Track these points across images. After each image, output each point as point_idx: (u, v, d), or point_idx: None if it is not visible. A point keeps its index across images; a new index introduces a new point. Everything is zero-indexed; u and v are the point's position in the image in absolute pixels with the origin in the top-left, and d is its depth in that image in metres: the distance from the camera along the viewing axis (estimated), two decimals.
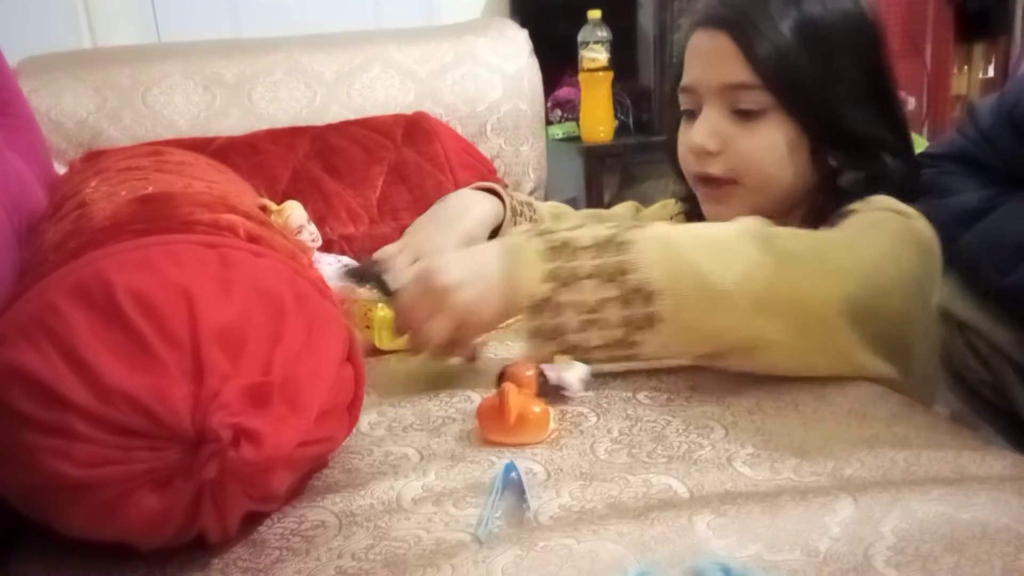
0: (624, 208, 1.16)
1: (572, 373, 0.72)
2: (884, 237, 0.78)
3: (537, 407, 0.68)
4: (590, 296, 0.71)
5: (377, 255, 0.91)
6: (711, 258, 0.71)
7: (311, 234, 0.90)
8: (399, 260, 0.92)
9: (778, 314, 0.70)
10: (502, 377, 0.71)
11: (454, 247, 0.91)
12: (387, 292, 0.84)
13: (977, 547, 0.49)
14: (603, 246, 0.72)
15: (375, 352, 0.92)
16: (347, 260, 0.97)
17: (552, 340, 0.74)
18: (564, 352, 0.74)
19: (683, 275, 0.70)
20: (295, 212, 0.88)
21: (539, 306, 0.73)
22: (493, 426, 0.67)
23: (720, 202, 0.91)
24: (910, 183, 0.89)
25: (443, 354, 0.80)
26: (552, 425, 0.69)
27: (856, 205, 0.84)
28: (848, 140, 0.86)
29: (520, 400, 0.67)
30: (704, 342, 0.73)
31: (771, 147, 0.86)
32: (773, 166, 0.87)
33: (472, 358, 0.82)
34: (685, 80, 0.91)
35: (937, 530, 0.51)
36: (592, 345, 0.73)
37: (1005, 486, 0.56)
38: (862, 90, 0.86)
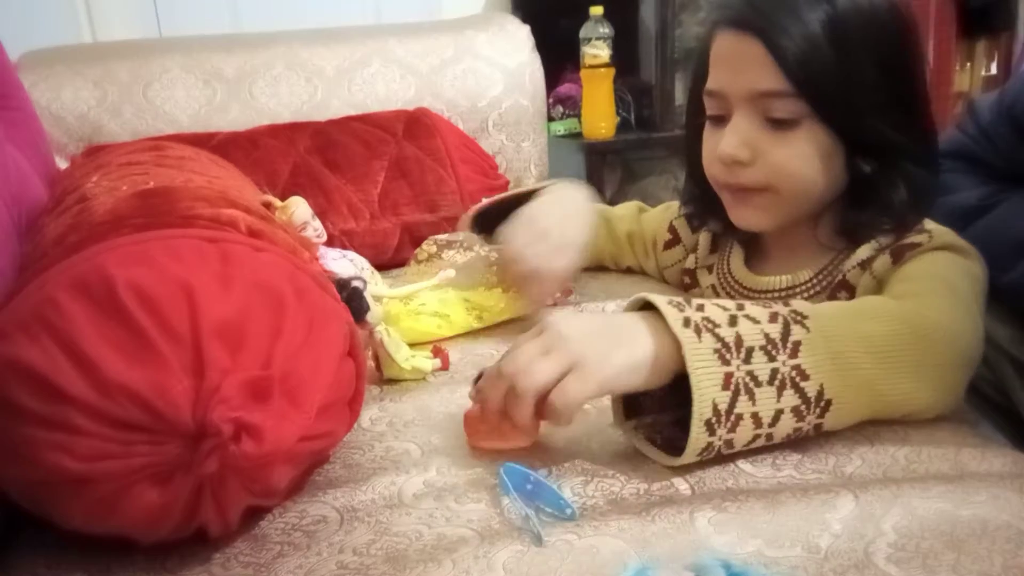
0: (627, 209, 1.15)
1: None
2: (967, 302, 0.77)
3: None
4: (764, 407, 0.61)
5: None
6: (878, 369, 0.65)
7: (315, 230, 0.89)
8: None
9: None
10: (481, 378, 0.67)
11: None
12: (361, 312, 0.79)
13: (977, 544, 0.49)
14: (775, 347, 0.62)
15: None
16: (352, 254, 0.97)
17: (708, 454, 0.61)
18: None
19: (855, 386, 0.65)
20: (299, 208, 0.87)
21: (719, 418, 0.60)
22: (483, 430, 0.65)
23: (748, 205, 0.86)
24: (932, 193, 0.86)
25: (527, 424, 0.62)
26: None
27: (918, 238, 0.81)
28: (879, 148, 0.82)
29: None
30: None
31: (806, 157, 0.81)
32: (808, 176, 0.82)
33: (533, 436, 0.66)
34: (712, 84, 0.85)
35: (938, 527, 0.51)
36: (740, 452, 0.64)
37: (1005, 483, 0.56)
38: (890, 95, 0.81)
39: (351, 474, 0.64)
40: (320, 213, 1.04)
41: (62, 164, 1.25)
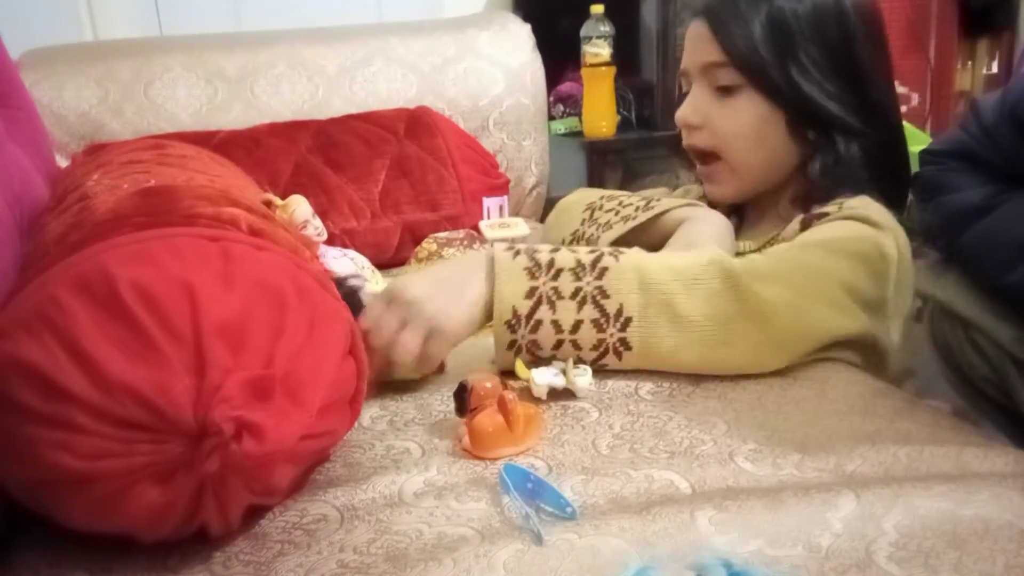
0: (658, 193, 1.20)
1: (583, 379, 0.72)
2: (841, 267, 0.81)
3: (531, 409, 0.68)
4: (568, 316, 0.74)
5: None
6: (683, 289, 0.74)
7: (316, 228, 0.89)
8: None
9: (738, 349, 0.75)
10: (465, 390, 0.68)
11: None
12: (357, 310, 0.79)
13: (979, 543, 0.49)
14: (586, 269, 0.76)
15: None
16: (353, 253, 0.97)
17: (525, 354, 0.76)
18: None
19: (655, 304, 0.74)
20: (300, 207, 0.87)
21: (519, 321, 0.75)
22: (496, 439, 0.65)
23: (711, 180, 1.00)
24: (885, 172, 0.95)
25: (412, 371, 0.77)
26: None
27: (830, 208, 0.90)
28: (814, 120, 0.92)
29: (519, 407, 0.66)
30: (666, 365, 0.77)
31: (746, 121, 0.94)
32: (748, 138, 0.95)
33: (440, 371, 0.80)
34: (682, 65, 1.01)
35: (939, 526, 0.51)
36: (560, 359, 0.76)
37: (1007, 482, 0.56)
38: (826, 74, 0.92)
39: (352, 473, 0.64)
40: (321, 212, 1.04)
41: (63, 163, 1.25)
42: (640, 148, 2.10)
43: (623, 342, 0.75)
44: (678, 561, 0.47)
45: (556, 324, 0.75)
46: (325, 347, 0.60)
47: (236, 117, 1.44)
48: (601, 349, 0.76)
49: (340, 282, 0.83)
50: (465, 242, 1.19)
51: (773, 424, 0.67)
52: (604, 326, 0.75)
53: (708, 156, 0.99)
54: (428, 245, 1.20)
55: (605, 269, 0.75)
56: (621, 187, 2.18)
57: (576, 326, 0.75)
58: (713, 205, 1.00)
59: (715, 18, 0.95)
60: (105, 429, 0.49)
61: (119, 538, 0.54)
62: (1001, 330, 1.00)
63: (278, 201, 0.88)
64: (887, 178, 0.95)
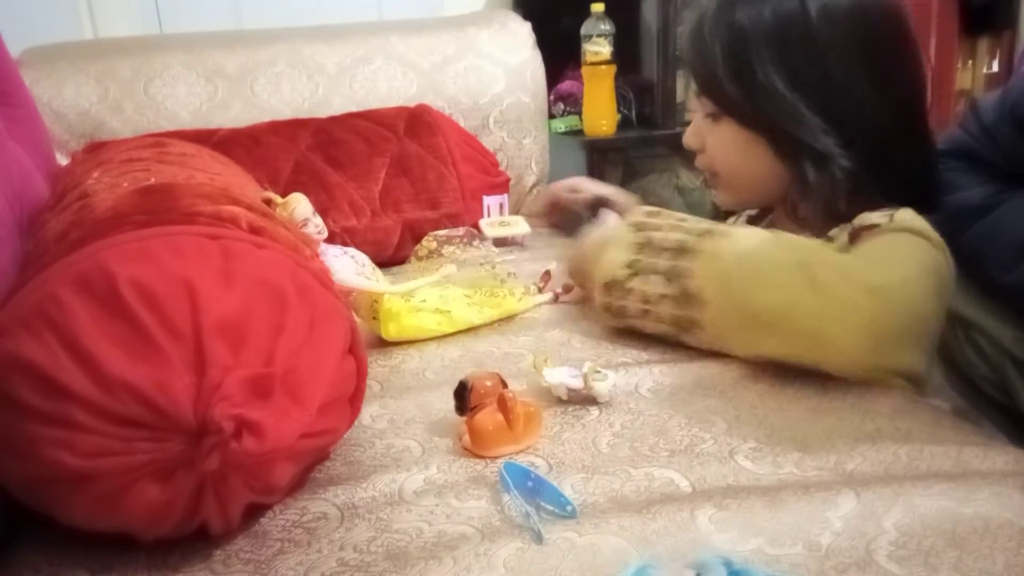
0: None
1: (603, 384, 0.72)
2: (909, 268, 0.80)
3: (531, 408, 0.68)
4: (653, 289, 0.83)
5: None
6: (760, 284, 0.77)
7: (316, 226, 0.89)
8: None
9: (803, 346, 0.75)
10: (465, 389, 0.68)
11: None
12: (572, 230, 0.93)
13: (979, 542, 0.49)
14: (678, 251, 0.83)
15: (381, 344, 0.92)
16: (354, 251, 0.97)
17: (615, 317, 0.87)
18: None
19: (732, 292, 0.78)
20: (300, 205, 0.87)
21: (612, 286, 0.86)
22: (496, 438, 0.65)
23: (715, 189, 1.03)
24: (896, 182, 0.90)
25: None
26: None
27: (879, 219, 0.86)
28: (794, 143, 0.90)
29: (519, 405, 0.66)
30: (737, 350, 0.80)
31: (730, 146, 0.96)
32: (735, 163, 0.97)
33: None
34: None
35: (939, 525, 0.51)
36: (646, 331, 0.86)
37: (1007, 481, 0.56)
38: (792, 98, 0.89)
39: (352, 471, 0.64)
40: (321, 210, 1.04)
41: (63, 161, 1.25)
42: (640, 147, 2.10)
43: (696, 323, 0.81)
44: (678, 560, 0.47)
45: (644, 296, 0.83)
46: (325, 345, 0.60)
47: (236, 115, 1.44)
48: (678, 325, 0.83)
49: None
50: (465, 239, 1.19)
51: (773, 422, 0.67)
52: (682, 304, 0.81)
53: (709, 172, 1.03)
54: (428, 243, 1.19)
55: (698, 252, 0.82)
56: (621, 185, 2.18)
57: (659, 299, 0.82)
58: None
59: (688, 49, 0.97)
60: (105, 427, 0.49)
61: (119, 536, 0.54)
62: (1001, 330, 1.00)
63: (278, 199, 0.88)
64: (903, 187, 0.90)
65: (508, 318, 0.97)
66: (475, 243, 1.18)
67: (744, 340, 0.79)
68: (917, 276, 0.79)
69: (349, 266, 0.92)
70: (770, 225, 1.01)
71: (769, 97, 0.90)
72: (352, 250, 0.98)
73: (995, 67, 2.20)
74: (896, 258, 0.81)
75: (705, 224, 0.86)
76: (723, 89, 0.93)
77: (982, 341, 1.02)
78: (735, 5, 0.91)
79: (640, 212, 0.91)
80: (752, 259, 0.79)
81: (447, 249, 1.14)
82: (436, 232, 1.16)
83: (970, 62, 2.20)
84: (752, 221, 1.07)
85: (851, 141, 0.88)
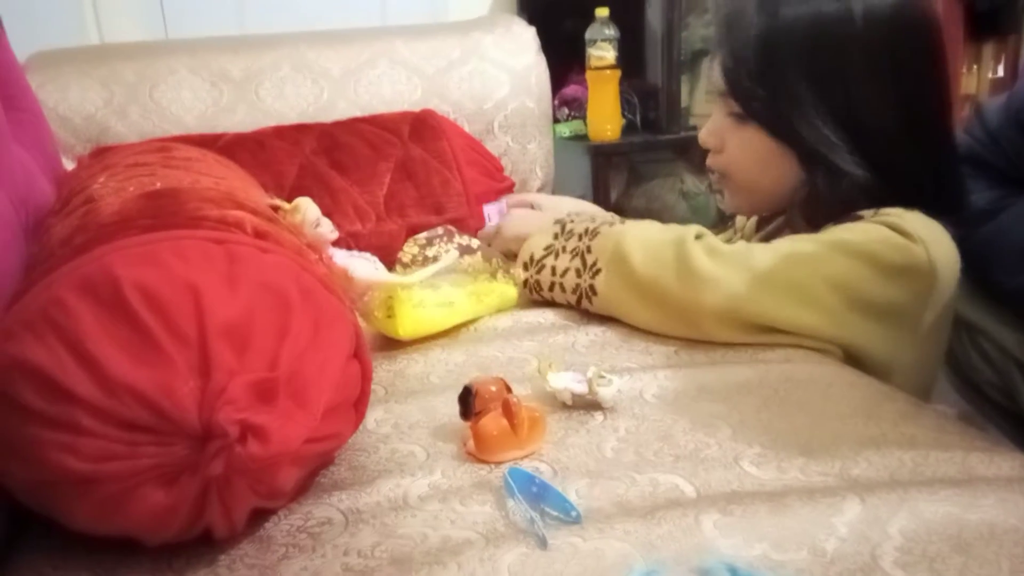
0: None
1: (607, 389, 0.72)
2: (836, 263, 0.82)
3: (535, 413, 0.67)
4: (561, 264, 0.95)
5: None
6: (640, 257, 0.87)
7: (328, 226, 0.91)
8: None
9: (673, 313, 0.86)
10: (470, 394, 0.68)
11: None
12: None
13: (985, 548, 0.49)
14: (584, 234, 0.95)
15: (386, 348, 0.91)
16: (366, 254, 0.97)
17: (533, 291, 0.99)
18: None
19: (619, 263, 0.88)
20: (310, 207, 0.88)
21: (531, 263, 0.99)
22: (500, 443, 0.65)
23: (724, 192, 1.04)
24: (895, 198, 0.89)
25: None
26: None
27: (866, 213, 0.87)
28: (810, 152, 0.90)
29: (523, 410, 0.66)
30: (625, 317, 0.91)
31: (753, 151, 0.95)
32: (753, 169, 0.97)
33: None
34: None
35: (945, 531, 0.50)
36: (558, 302, 0.97)
37: (1013, 487, 0.55)
38: (819, 111, 0.88)
39: (356, 476, 0.64)
40: (326, 215, 1.04)
41: (69, 165, 1.25)
42: (645, 151, 2.10)
43: (592, 288, 0.92)
44: (683, 565, 0.47)
45: (553, 269, 0.96)
46: (330, 349, 0.60)
47: (241, 120, 1.44)
48: (578, 293, 0.94)
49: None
50: (445, 237, 1.18)
51: (778, 428, 0.67)
52: (581, 273, 0.93)
53: (722, 176, 1.02)
54: (410, 249, 1.18)
55: (597, 233, 0.93)
56: (625, 190, 2.18)
57: (564, 272, 0.95)
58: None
59: (720, 42, 0.95)
60: (109, 431, 0.49)
61: (123, 540, 0.54)
62: (1006, 334, 1.00)
63: (285, 205, 0.88)
64: (922, 195, 0.89)
65: (512, 325, 0.97)
66: (455, 239, 1.17)
67: (629, 308, 0.89)
68: (829, 252, 0.82)
69: (366, 265, 0.92)
70: (780, 229, 1.01)
71: (801, 110, 0.89)
72: (357, 252, 0.98)
73: (1000, 72, 2.20)
74: (819, 238, 0.85)
75: (616, 219, 0.96)
76: (754, 94, 0.92)
77: (987, 346, 1.02)
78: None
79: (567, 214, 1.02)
80: (639, 236, 0.89)
81: (431, 251, 1.14)
82: (416, 236, 1.15)
83: (975, 67, 2.20)
84: (761, 223, 1.07)
85: (869, 152, 0.88)
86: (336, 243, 1.01)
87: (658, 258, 0.86)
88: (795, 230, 0.96)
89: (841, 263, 0.82)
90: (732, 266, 0.82)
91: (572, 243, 0.95)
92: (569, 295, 0.95)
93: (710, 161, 1.02)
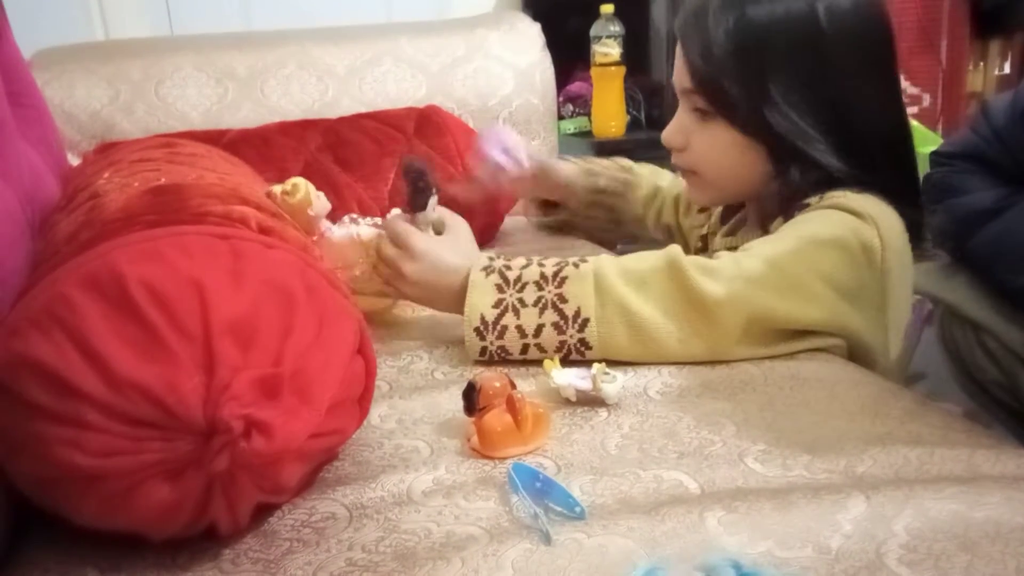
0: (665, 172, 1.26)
1: (611, 386, 0.72)
2: (813, 254, 0.82)
3: (539, 409, 0.68)
4: (528, 321, 0.81)
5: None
6: (635, 289, 0.80)
7: (322, 200, 0.94)
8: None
9: (691, 342, 0.80)
10: (474, 390, 0.68)
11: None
12: (416, 205, 0.91)
13: (991, 546, 0.49)
14: (543, 281, 0.82)
15: (390, 344, 0.91)
16: (356, 216, 1.00)
17: (495, 358, 0.82)
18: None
19: (611, 304, 0.79)
20: (306, 185, 0.91)
21: (485, 328, 0.82)
22: (504, 439, 0.65)
23: (690, 185, 1.01)
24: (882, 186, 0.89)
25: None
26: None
27: (812, 199, 0.87)
28: (788, 152, 0.89)
29: (527, 406, 0.66)
30: (627, 359, 0.81)
31: (721, 148, 0.93)
32: (723, 164, 0.94)
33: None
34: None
35: (950, 529, 0.50)
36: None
37: (1019, 485, 0.55)
38: (798, 107, 0.87)
39: (360, 471, 0.64)
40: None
41: (75, 161, 1.25)
42: (649, 148, 2.08)
43: (583, 342, 0.80)
44: (687, 562, 0.47)
45: (520, 329, 0.81)
46: (334, 345, 0.60)
47: (246, 116, 1.44)
48: (564, 351, 0.80)
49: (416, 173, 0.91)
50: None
51: (783, 425, 0.67)
52: (564, 328, 0.80)
53: (687, 170, 1.00)
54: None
55: (565, 278, 0.81)
56: None
57: (539, 330, 0.80)
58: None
59: (685, 38, 0.93)
60: (115, 427, 0.49)
61: (128, 536, 0.54)
62: (1011, 333, 1.00)
63: (276, 189, 0.90)
64: (883, 182, 0.89)
65: None
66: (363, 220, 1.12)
67: (635, 352, 0.80)
68: (807, 246, 0.82)
69: (342, 230, 0.96)
70: (744, 219, 1.02)
71: (773, 105, 0.87)
72: (357, 217, 1.00)
73: (1007, 69, 2.19)
74: (786, 235, 0.84)
75: (550, 259, 0.85)
76: (724, 90, 0.89)
77: (993, 345, 1.02)
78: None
79: (481, 261, 0.86)
80: (620, 272, 0.81)
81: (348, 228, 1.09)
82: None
83: (981, 64, 2.20)
84: (726, 215, 1.06)
85: (843, 142, 0.88)
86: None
87: (655, 290, 0.79)
88: (761, 220, 0.96)
89: (820, 255, 0.82)
90: (730, 278, 0.79)
91: (531, 294, 0.81)
92: (551, 354, 0.81)
93: (675, 160, 1.00)
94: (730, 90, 0.89)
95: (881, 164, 0.90)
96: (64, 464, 0.49)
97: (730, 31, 0.88)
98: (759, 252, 0.82)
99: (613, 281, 0.80)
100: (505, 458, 0.64)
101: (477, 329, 0.82)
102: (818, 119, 0.88)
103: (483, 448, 0.65)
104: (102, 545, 0.55)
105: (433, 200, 0.92)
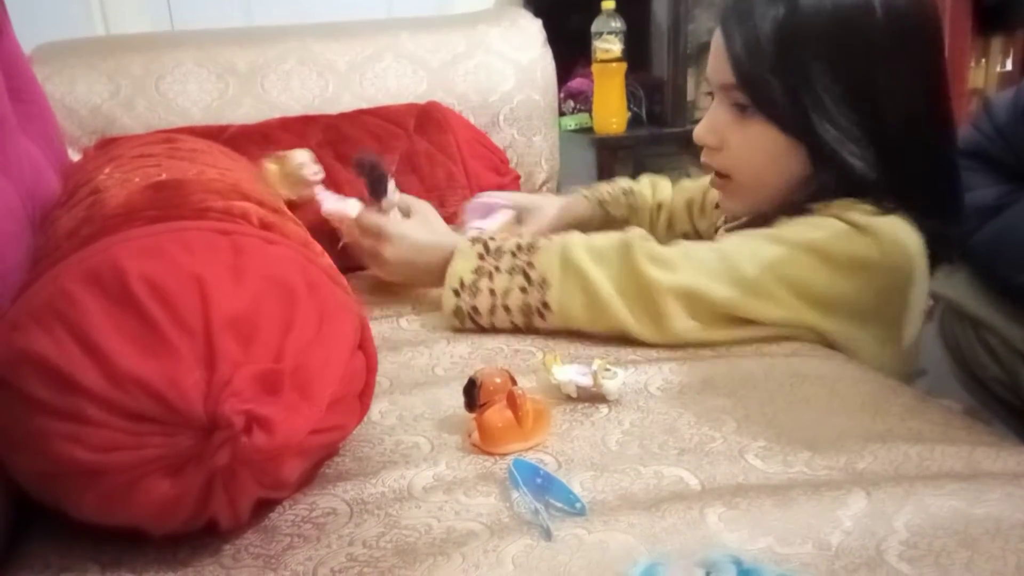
0: (666, 182, 1.26)
1: (612, 382, 0.72)
2: (780, 256, 0.83)
3: (540, 405, 0.68)
4: (500, 284, 0.89)
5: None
6: (593, 262, 0.86)
7: (313, 171, 1.03)
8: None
9: (634, 318, 0.84)
10: (474, 385, 0.68)
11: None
12: (377, 193, 1.00)
13: (991, 543, 0.49)
14: (517, 250, 0.90)
15: (390, 340, 0.91)
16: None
17: (468, 318, 0.91)
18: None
19: (571, 272, 0.86)
20: (298, 153, 0.96)
21: (462, 289, 0.90)
22: (505, 435, 0.65)
23: (723, 195, 0.98)
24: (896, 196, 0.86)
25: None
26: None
27: (818, 206, 0.87)
28: (822, 149, 0.85)
29: (528, 402, 0.66)
30: (581, 327, 0.87)
31: (758, 146, 0.89)
32: (759, 164, 0.91)
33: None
34: (707, 71, 0.96)
35: (950, 525, 0.50)
36: (499, 327, 0.91)
37: (1019, 482, 0.55)
38: (842, 98, 0.84)
39: (361, 467, 0.64)
40: None
41: (75, 156, 1.25)
42: (650, 144, 2.10)
43: (545, 304, 0.87)
44: (687, 558, 0.47)
45: (492, 291, 0.89)
46: (335, 341, 0.60)
47: (247, 112, 1.44)
48: (527, 311, 0.88)
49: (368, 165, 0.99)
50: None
51: (783, 422, 0.67)
52: (528, 291, 0.88)
53: (721, 174, 0.95)
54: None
55: (537, 248, 0.89)
56: None
57: (507, 292, 0.89)
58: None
59: (726, 30, 0.88)
60: (115, 422, 0.49)
61: (129, 531, 0.54)
62: (1012, 330, 1.00)
63: (276, 157, 0.95)
64: (918, 192, 0.87)
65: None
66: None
67: (589, 317, 0.86)
68: (757, 247, 0.83)
69: (334, 199, 1.05)
70: (750, 222, 0.99)
71: (818, 102, 0.84)
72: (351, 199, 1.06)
73: (1008, 66, 2.19)
74: (758, 234, 0.86)
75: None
76: (769, 85, 0.85)
77: (994, 342, 1.02)
78: None
79: (470, 234, 0.95)
80: (585, 245, 0.87)
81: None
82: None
83: (983, 61, 2.19)
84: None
85: (883, 147, 0.85)
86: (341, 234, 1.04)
87: (612, 267, 0.85)
88: (764, 221, 0.92)
89: (789, 257, 0.82)
90: (675, 267, 0.83)
91: (506, 261, 0.89)
92: (515, 315, 0.88)
93: (708, 159, 0.95)
94: (775, 86, 0.85)
95: (917, 175, 0.87)
96: (65, 459, 0.49)
97: (779, 23, 0.84)
98: (719, 244, 0.86)
99: (579, 254, 0.86)
100: (506, 454, 0.64)
101: (455, 290, 0.90)
102: (861, 123, 0.84)
103: (484, 444, 0.65)
104: (103, 540, 0.56)
105: (391, 183, 1.00)
